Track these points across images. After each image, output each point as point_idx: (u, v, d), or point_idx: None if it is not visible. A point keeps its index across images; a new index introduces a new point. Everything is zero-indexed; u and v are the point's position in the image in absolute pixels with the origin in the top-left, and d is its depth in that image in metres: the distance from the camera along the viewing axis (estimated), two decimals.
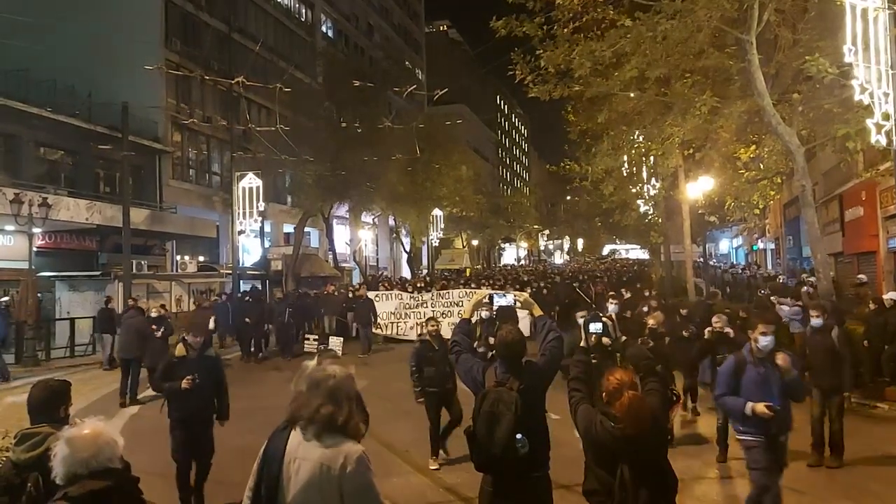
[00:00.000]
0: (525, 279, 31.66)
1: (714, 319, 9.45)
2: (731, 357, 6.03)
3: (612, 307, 10.42)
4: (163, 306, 21.62)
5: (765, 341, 5.84)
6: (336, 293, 23.93)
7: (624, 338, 4.80)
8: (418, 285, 27.12)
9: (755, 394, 5.67)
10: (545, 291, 23.16)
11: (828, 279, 14.29)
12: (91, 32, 28.24)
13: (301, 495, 2.96)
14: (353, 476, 2.90)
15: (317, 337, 19.61)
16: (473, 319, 10.59)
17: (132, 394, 13.26)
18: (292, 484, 2.98)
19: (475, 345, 8.20)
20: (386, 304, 21.55)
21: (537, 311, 4.91)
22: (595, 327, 4.55)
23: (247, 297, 21.68)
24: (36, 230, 19.86)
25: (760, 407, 5.50)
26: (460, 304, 20.92)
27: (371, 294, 21.75)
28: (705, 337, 9.17)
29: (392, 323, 21.60)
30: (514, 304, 5.51)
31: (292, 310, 19.86)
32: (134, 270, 22.59)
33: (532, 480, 4.29)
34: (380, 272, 44.89)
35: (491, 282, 27.60)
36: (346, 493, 2.89)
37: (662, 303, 18.12)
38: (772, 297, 17.73)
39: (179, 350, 7.24)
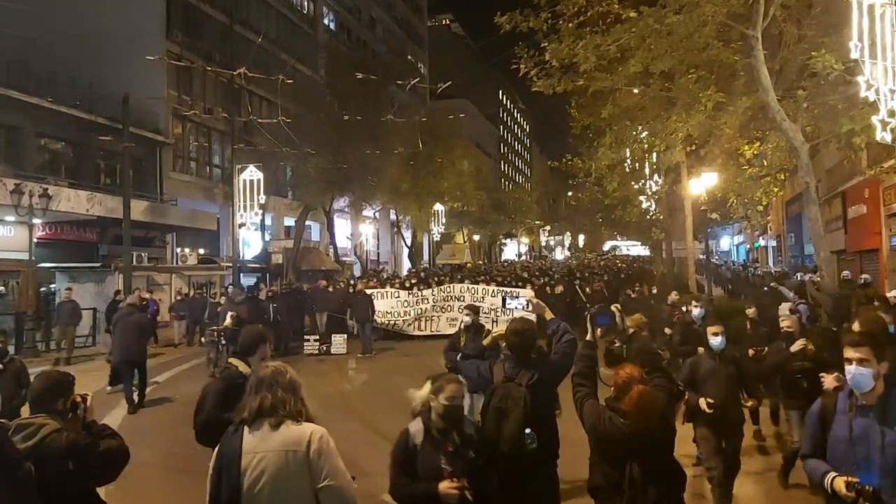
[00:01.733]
0: (525, 276, 30.70)
1: (782, 320, 7.36)
2: (817, 401, 3.95)
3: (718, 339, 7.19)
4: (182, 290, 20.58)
5: (853, 374, 3.62)
6: (331, 288, 22.45)
7: (631, 330, 4.74)
8: (412, 281, 25.36)
9: (844, 458, 3.58)
10: (548, 290, 22.49)
11: (831, 276, 14.25)
12: (92, 23, 28.15)
13: (271, 483, 3.11)
14: (322, 451, 3.15)
15: (317, 337, 18.78)
16: (458, 324, 9.97)
17: (140, 400, 12.17)
18: (259, 477, 3.12)
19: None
20: (380, 303, 20.28)
21: (549, 315, 4.87)
22: (603, 321, 4.52)
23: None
24: (36, 221, 19.83)
25: (839, 484, 3.43)
26: (462, 298, 20.41)
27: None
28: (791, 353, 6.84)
29: (390, 321, 20.73)
30: (527, 307, 5.41)
31: (277, 306, 18.72)
32: (134, 262, 22.56)
33: (539, 476, 4.25)
34: (380, 266, 44.82)
35: (487, 278, 26.77)
36: (317, 467, 3.12)
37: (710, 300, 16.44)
38: (772, 284, 17.58)
39: (243, 366, 5.07)
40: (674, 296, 13.59)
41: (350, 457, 3.72)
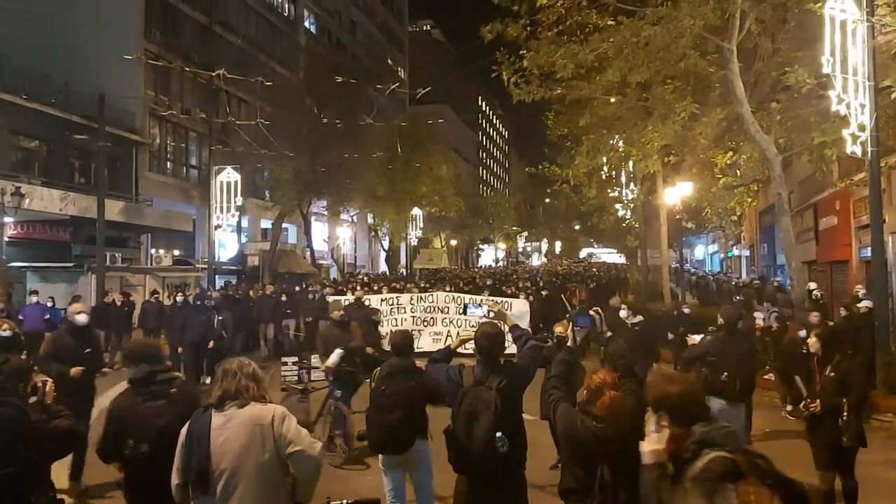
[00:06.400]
0: (488, 283, 26.39)
1: None
2: None
3: None
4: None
5: None
6: (284, 297, 19.22)
7: (609, 333, 4.80)
8: (358, 287, 21.81)
9: None
10: (531, 298, 19.90)
11: (801, 287, 14.49)
12: (69, 20, 27.83)
13: (239, 454, 3.42)
14: (285, 424, 3.51)
15: (296, 360, 14.64)
16: (443, 338, 9.06)
17: None
18: (227, 449, 3.44)
19: None
20: None
21: (510, 322, 4.93)
22: (583, 322, 4.59)
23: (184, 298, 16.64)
24: (8, 219, 19.53)
25: None
26: (446, 310, 18.29)
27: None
28: None
29: None
30: (488, 314, 5.45)
31: (223, 318, 14.11)
32: (108, 263, 22.27)
33: (508, 479, 4.29)
34: (356, 270, 44.64)
35: (450, 286, 23.96)
36: (283, 437, 3.47)
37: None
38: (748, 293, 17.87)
39: None
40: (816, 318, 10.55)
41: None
